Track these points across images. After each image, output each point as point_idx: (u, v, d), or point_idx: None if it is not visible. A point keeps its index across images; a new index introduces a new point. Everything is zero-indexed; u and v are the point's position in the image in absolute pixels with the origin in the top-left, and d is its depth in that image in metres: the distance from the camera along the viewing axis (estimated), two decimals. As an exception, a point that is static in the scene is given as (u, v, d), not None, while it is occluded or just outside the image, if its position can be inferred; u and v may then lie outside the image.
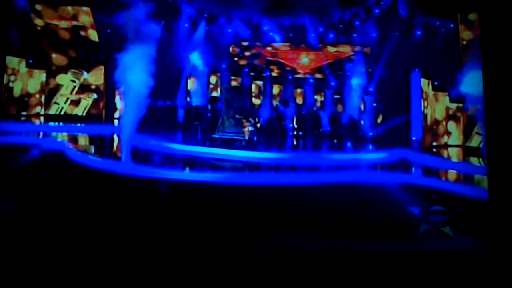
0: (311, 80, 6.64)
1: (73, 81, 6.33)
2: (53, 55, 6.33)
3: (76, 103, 6.33)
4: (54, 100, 6.28)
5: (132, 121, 6.07)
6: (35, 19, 6.27)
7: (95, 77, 6.37)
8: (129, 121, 6.09)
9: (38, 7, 6.27)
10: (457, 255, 5.58)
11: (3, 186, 5.79)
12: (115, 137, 6.26)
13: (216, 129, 6.47)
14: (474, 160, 6.09)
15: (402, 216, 5.82)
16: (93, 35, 6.38)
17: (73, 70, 6.34)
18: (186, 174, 6.06)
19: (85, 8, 6.35)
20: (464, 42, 6.25)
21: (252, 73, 6.66)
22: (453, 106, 6.29)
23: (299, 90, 6.66)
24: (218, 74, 6.64)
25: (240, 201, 5.83)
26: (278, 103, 6.60)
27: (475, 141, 6.12)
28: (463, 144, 6.19)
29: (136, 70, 6.08)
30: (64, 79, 6.33)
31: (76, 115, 6.29)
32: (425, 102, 6.34)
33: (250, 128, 6.45)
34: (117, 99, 6.32)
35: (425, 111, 6.32)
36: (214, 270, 5.47)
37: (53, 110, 6.28)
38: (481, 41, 6.00)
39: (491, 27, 5.92)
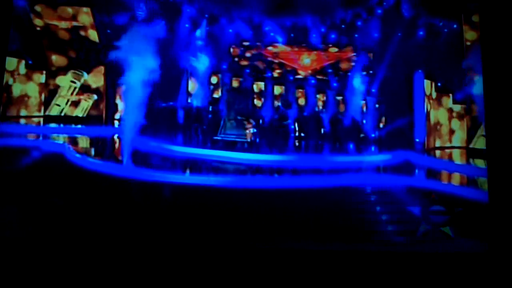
0: (313, 81, 6.60)
1: (73, 82, 6.30)
2: (53, 56, 6.30)
3: (76, 104, 6.30)
4: (54, 101, 6.25)
5: (133, 123, 6.01)
6: (34, 20, 6.23)
7: (95, 78, 6.34)
8: (131, 124, 6.03)
9: (38, 7, 6.22)
10: (457, 255, 5.55)
11: (3, 188, 5.74)
12: (116, 139, 6.22)
13: (218, 131, 6.44)
14: (479, 162, 6.01)
15: (403, 216, 5.79)
16: (93, 35, 6.35)
17: (73, 71, 6.30)
18: (187, 177, 6.02)
19: (85, 9, 6.31)
20: (468, 43, 6.20)
21: (253, 73, 6.64)
22: (457, 107, 6.26)
23: (300, 91, 6.63)
24: (219, 75, 6.61)
25: (242, 204, 5.77)
26: (279, 104, 6.57)
27: (480, 143, 6.04)
28: (466, 146, 6.15)
29: (136, 70, 6.03)
30: (64, 80, 6.29)
31: (76, 116, 6.25)
32: (428, 103, 6.31)
33: (252, 130, 6.41)
34: (118, 100, 6.29)
35: (428, 112, 6.29)
36: (215, 273, 5.44)
37: (54, 111, 6.24)
38: (481, 42, 5.95)
39: (492, 29, 5.87)
